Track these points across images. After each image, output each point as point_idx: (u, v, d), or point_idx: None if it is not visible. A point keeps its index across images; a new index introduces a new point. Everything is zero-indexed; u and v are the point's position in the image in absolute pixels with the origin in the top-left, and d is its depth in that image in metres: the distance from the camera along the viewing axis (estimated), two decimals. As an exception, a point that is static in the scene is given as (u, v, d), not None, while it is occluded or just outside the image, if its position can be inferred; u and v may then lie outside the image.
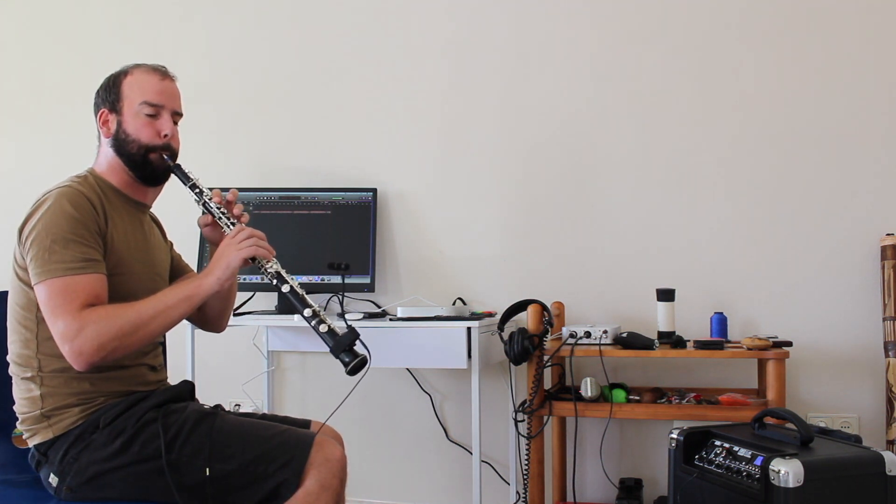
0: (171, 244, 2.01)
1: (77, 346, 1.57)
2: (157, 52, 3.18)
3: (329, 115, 3.05)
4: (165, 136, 1.79)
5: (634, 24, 2.76)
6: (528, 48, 2.86)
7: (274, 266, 1.73)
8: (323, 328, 1.64)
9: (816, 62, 2.61)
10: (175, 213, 2.21)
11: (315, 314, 1.66)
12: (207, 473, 1.62)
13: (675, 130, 2.72)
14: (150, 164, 1.79)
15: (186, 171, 1.82)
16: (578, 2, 2.82)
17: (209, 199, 1.81)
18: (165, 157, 1.79)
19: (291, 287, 1.70)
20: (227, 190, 1.86)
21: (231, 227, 1.78)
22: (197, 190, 1.81)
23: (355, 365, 1.60)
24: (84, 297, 1.59)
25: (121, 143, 1.77)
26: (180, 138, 1.84)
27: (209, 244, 1.94)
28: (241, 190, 2.87)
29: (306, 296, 1.71)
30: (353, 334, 1.63)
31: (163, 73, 1.83)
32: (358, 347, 1.64)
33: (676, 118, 2.72)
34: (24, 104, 3.39)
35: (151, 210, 1.92)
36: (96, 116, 1.82)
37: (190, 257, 2.71)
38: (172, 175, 1.82)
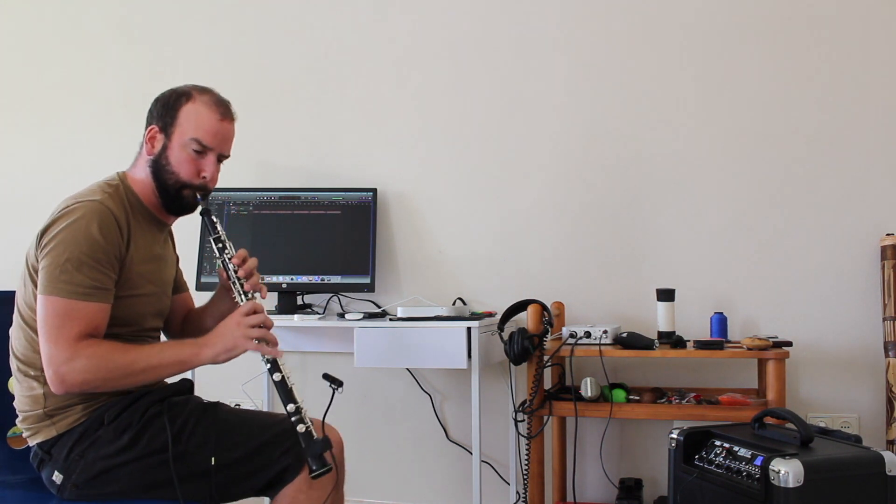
0: (178, 258, 2.01)
1: (62, 373, 1.57)
2: (157, 52, 3.21)
3: (329, 115, 3.05)
4: (204, 177, 1.78)
5: (634, 25, 2.76)
6: (529, 48, 2.86)
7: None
8: (301, 428, 1.64)
9: (816, 62, 2.61)
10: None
11: (298, 411, 1.66)
12: (213, 462, 1.65)
13: (674, 130, 2.72)
14: (182, 200, 1.78)
15: (215, 220, 1.80)
16: (579, 3, 2.82)
17: (229, 259, 1.78)
18: (199, 196, 1.78)
19: (283, 377, 1.69)
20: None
21: (242, 296, 1.75)
22: (220, 245, 1.79)
23: (320, 473, 1.62)
24: (83, 325, 1.59)
25: (160, 169, 1.76)
26: (219, 177, 1.83)
27: (220, 284, 1.93)
28: (240, 190, 2.90)
29: (294, 390, 1.69)
30: (325, 444, 1.64)
31: (224, 112, 1.80)
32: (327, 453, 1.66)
33: (676, 118, 2.72)
34: (25, 105, 3.38)
35: None
36: (146, 127, 1.79)
37: (191, 262, 2.73)
38: None
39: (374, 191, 2.88)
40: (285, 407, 1.67)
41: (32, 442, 1.70)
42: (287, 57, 3.10)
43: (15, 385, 1.73)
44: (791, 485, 1.69)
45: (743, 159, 2.66)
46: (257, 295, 1.78)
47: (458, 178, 2.91)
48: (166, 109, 1.77)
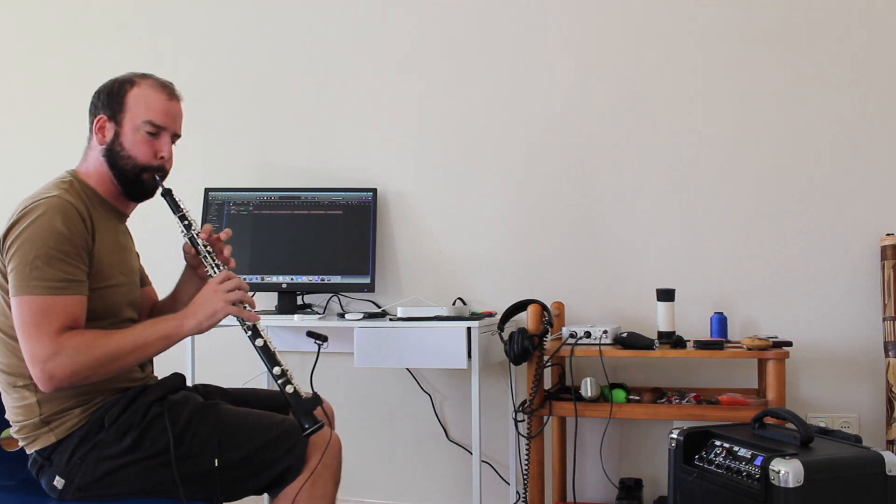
0: (138, 254, 2.00)
1: (49, 369, 1.55)
2: (157, 52, 3.21)
3: (329, 115, 3.05)
4: (162, 157, 1.78)
5: (634, 24, 2.76)
6: (529, 48, 2.86)
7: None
8: (289, 389, 1.66)
9: (816, 61, 2.61)
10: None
11: (283, 373, 1.67)
12: (217, 463, 1.66)
13: (675, 130, 2.72)
14: (142, 183, 1.78)
15: (178, 199, 1.80)
16: (578, 2, 2.82)
17: (196, 235, 1.79)
18: (157, 178, 1.78)
19: (265, 342, 1.70)
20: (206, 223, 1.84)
21: (216, 268, 1.76)
22: (186, 222, 1.79)
23: (312, 431, 1.64)
24: (63, 319, 1.58)
25: (114, 156, 1.76)
26: (174, 159, 1.83)
27: (187, 265, 1.93)
28: (241, 190, 2.90)
29: (277, 353, 1.70)
30: (315, 401, 1.66)
31: (170, 92, 1.81)
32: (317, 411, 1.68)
33: (676, 118, 2.72)
34: (23, 104, 3.39)
35: None
36: (92, 119, 1.79)
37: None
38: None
39: (374, 191, 2.88)
40: (270, 371, 1.67)
41: (30, 450, 1.68)
42: (287, 57, 3.10)
43: (4, 397, 1.70)
44: (791, 485, 1.68)
45: (743, 159, 2.66)
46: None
47: (458, 178, 2.91)
48: (111, 98, 1.77)
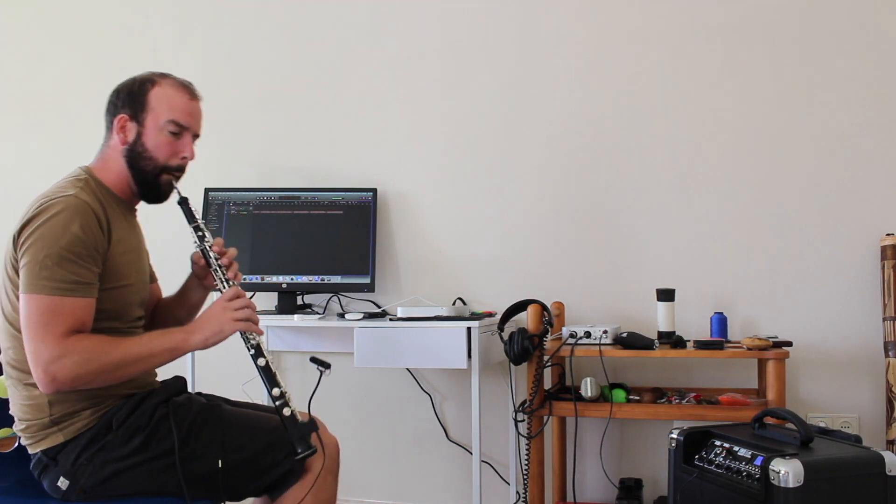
0: (148, 252, 2.00)
1: (52, 372, 1.54)
2: (156, 53, 3.21)
3: (329, 115, 3.05)
4: (184, 157, 1.77)
5: (634, 25, 2.76)
6: (529, 48, 2.86)
7: (257, 338, 1.72)
8: (286, 411, 1.66)
9: (816, 61, 2.61)
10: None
11: (282, 395, 1.67)
12: (220, 464, 1.66)
13: (675, 131, 2.72)
14: (160, 186, 1.78)
15: (193, 209, 1.79)
16: (580, 2, 2.82)
17: (209, 247, 1.78)
18: (175, 183, 1.78)
19: (267, 363, 1.70)
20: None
21: (225, 283, 1.76)
22: (199, 233, 1.79)
23: (304, 456, 1.64)
24: (70, 321, 1.56)
25: (136, 156, 1.74)
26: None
27: (193, 274, 1.92)
28: (241, 190, 2.90)
29: (278, 375, 1.71)
30: (311, 426, 1.67)
31: (192, 92, 1.80)
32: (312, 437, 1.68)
33: (676, 119, 2.72)
34: (23, 104, 3.39)
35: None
36: (112, 119, 1.76)
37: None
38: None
39: (374, 191, 2.88)
40: (269, 392, 1.67)
41: (35, 449, 1.67)
42: (287, 57, 3.10)
43: (11, 393, 1.69)
44: (791, 485, 1.69)
45: (743, 159, 2.66)
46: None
47: (458, 178, 2.91)
48: (133, 97, 1.75)
